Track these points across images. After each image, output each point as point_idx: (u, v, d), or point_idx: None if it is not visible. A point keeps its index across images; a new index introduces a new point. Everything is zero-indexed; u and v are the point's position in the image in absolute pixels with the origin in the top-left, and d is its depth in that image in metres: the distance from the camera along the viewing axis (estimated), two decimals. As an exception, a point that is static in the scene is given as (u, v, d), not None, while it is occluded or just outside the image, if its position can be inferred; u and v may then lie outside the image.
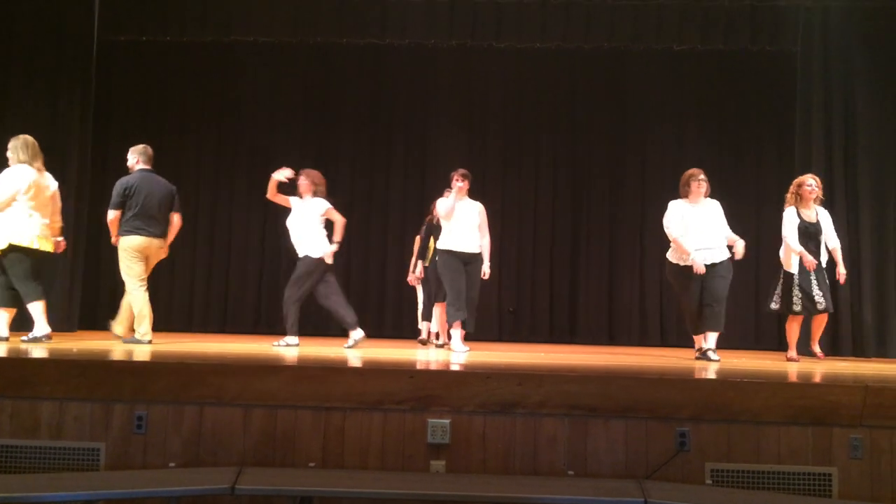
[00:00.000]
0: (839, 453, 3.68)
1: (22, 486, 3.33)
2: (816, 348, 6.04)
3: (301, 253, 6.06)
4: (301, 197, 6.15)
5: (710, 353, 5.67)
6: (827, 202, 7.12)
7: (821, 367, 5.44)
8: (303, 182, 6.13)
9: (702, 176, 5.81)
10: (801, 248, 5.89)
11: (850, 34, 7.44)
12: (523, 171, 8.73)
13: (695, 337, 5.94)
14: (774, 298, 6.09)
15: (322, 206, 6.11)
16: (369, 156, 8.75)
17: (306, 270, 6.00)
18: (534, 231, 8.66)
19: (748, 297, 8.07)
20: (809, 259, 5.86)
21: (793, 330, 6.03)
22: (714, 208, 5.87)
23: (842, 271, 6.05)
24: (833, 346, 7.06)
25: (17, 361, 4.13)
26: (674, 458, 3.70)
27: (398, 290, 8.12)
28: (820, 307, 5.87)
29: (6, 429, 3.78)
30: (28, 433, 3.77)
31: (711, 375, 4.39)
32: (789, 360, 5.95)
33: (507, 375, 4.00)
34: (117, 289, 8.31)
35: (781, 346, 7.38)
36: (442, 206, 6.14)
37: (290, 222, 6.14)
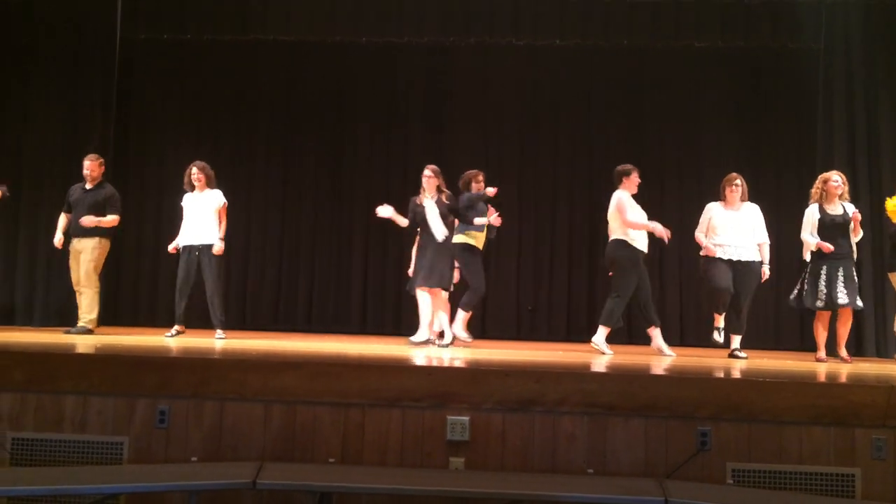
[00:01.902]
0: (862, 454, 3.64)
1: (46, 479, 3.37)
2: (843, 352, 5.98)
3: (201, 242, 6.32)
4: (193, 191, 6.48)
5: (737, 353, 5.98)
6: (851, 200, 7.04)
7: (844, 368, 5.38)
8: (200, 176, 6.43)
9: (737, 181, 6.09)
10: (816, 240, 5.87)
11: (873, 31, 7.34)
12: (540, 169, 8.69)
13: (716, 315, 6.07)
14: (794, 293, 6.07)
15: (220, 200, 6.46)
16: (386, 154, 8.75)
17: (216, 260, 6.34)
18: (551, 229, 8.61)
19: (768, 297, 7.98)
20: (826, 245, 5.81)
21: (819, 329, 5.99)
22: (750, 213, 6.10)
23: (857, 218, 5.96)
24: (856, 347, 6.97)
25: (42, 356, 4.19)
26: (694, 457, 3.68)
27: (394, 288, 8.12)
28: (841, 302, 5.78)
29: (31, 422, 3.83)
30: (52, 427, 3.82)
31: (732, 375, 4.36)
32: (818, 360, 5.92)
33: (526, 373, 4.00)
34: (138, 284, 8.48)
35: (803, 345, 7.32)
36: (631, 210, 6.07)
37: (188, 213, 6.44)
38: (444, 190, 6.34)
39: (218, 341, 6.02)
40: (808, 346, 6.97)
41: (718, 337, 6.08)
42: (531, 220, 8.60)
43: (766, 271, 6.04)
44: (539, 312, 8.48)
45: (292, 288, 8.62)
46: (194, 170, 6.49)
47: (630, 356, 5.88)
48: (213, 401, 3.82)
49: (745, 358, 5.87)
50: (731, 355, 5.99)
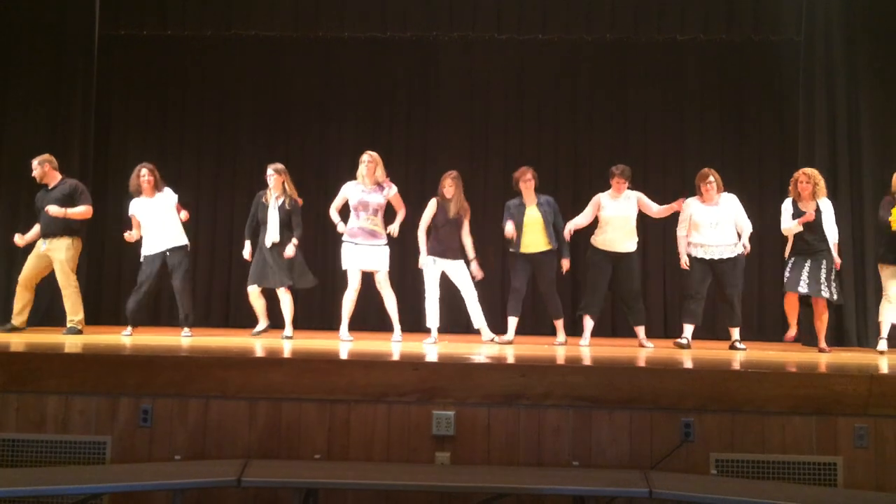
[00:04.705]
0: (844, 442, 3.69)
1: (28, 480, 3.34)
2: (823, 345, 6.09)
3: (170, 245, 6.28)
4: (148, 195, 6.34)
5: (737, 344, 6.06)
6: (830, 193, 7.10)
7: (825, 357, 5.44)
8: (153, 179, 6.33)
9: (710, 178, 6.14)
10: (794, 223, 5.97)
11: (854, 23, 7.39)
12: (525, 163, 8.66)
13: (684, 325, 6.17)
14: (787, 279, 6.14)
15: (173, 197, 6.41)
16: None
17: (187, 259, 6.38)
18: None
19: (750, 288, 8.02)
20: (808, 215, 5.90)
21: (790, 306, 6.11)
22: (729, 205, 6.18)
23: (837, 260, 6.08)
24: (838, 337, 7.04)
25: (23, 356, 4.14)
26: (678, 448, 3.70)
27: (401, 283, 8.10)
28: (801, 290, 5.88)
29: (12, 423, 3.80)
30: (34, 427, 3.79)
31: (715, 366, 4.39)
32: (788, 338, 6.12)
33: (511, 367, 4.02)
34: (120, 283, 8.40)
35: (781, 337, 7.38)
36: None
37: (147, 219, 6.32)
38: (290, 192, 6.45)
39: (185, 339, 5.97)
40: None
41: (682, 341, 6.10)
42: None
43: (746, 244, 6.12)
44: (524, 307, 8.48)
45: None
46: (144, 171, 6.33)
47: (614, 349, 5.91)
48: (197, 399, 3.80)
49: (745, 349, 5.94)
50: (732, 347, 6.07)
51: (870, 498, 3.55)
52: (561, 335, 6.31)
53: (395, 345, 5.80)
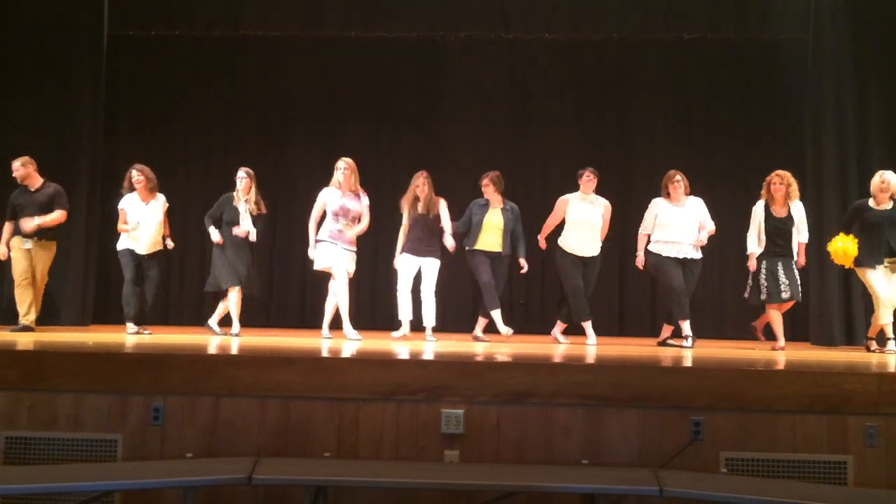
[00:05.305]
0: (854, 441, 3.68)
1: (40, 477, 3.36)
2: (760, 334, 6.30)
3: (158, 248, 6.49)
4: (142, 196, 6.42)
5: (670, 342, 6.25)
6: (840, 194, 7.08)
7: (836, 356, 5.43)
8: (143, 180, 6.37)
9: (677, 178, 6.21)
10: (753, 249, 6.06)
11: (862, 20, 7.37)
12: (532, 163, 8.69)
13: (681, 323, 6.12)
14: (759, 290, 6.12)
15: (163, 201, 6.55)
16: (377, 150, 8.73)
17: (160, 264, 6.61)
18: (541, 222, 8.61)
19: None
20: (751, 262, 6.06)
21: (776, 319, 6.09)
22: (695, 207, 6.22)
23: (801, 261, 6.13)
24: (847, 336, 7.03)
25: (36, 354, 4.17)
26: (688, 446, 3.70)
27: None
28: (784, 297, 5.96)
29: (24, 421, 3.82)
30: (46, 425, 3.81)
31: (725, 365, 4.38)
32: (777, 349, 6.00)
33: (520, 366, 4.02)
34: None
35: (794, 335, 7.35)
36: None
37: (143, 221, 6.38)
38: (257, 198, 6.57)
39: (132, 336, 6.05)
40: (799, 336, 7.05)
41: (688, 344, 6.04)
42: (522, 212, 8.58)
43: (703, 239, 6.15)
44: (531, 306, 8.49)
45: (284, 285, 8.60)
46: (134, 172, 6.40)
47: (623, 348, 5.91)
48: (208, 397, 3.81)
49: (678, 346, 6.03)
50: (665, 343, 6.23)
51: (880, 496, 3.54)
52: (503, 328, 6.35)
53: (326, 341, 5.93)
